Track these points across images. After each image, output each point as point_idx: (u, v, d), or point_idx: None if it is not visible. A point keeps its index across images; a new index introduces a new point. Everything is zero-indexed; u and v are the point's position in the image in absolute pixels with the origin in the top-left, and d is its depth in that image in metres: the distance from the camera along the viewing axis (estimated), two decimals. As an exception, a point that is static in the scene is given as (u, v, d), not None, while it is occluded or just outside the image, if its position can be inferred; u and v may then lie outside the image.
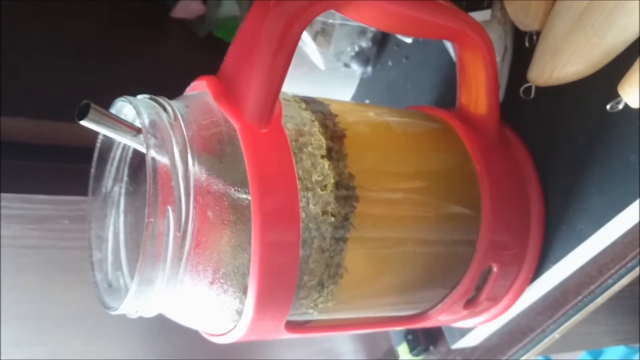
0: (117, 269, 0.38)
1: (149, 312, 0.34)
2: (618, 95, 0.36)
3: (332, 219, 0.34)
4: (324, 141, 0.35)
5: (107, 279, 0.37)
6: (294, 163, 0.33)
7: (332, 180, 0.34)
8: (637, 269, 0.39)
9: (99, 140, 0.38)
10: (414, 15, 0.37)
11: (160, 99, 0.34)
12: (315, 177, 0.34)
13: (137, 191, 0.39)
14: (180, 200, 0.31)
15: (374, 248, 0.37)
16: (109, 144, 0.38)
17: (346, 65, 0.58)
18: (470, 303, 0.42)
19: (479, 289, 0.42)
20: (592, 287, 0.41)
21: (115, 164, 0.39)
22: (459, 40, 0.40)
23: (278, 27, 0.32)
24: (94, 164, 0.38)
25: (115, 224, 0.39)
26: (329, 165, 0.34)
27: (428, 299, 0.41)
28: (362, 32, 0.57)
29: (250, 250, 0.32)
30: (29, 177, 0.57)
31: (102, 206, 0.39)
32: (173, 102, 0.34)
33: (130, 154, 0.39)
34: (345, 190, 0.35)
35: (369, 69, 0.58)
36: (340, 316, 0.39)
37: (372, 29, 0.56)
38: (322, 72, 0.58)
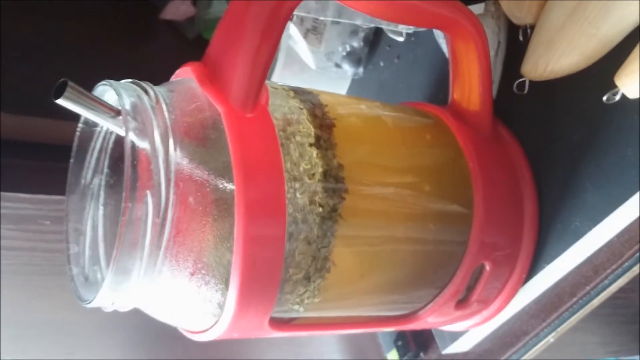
0: (95, 263, 0.36)
1: (126, 305, 0.32)
2: (615, 87, 0.35)
3: (320, 209, 0.33)
4: (313, 129, 0.34)
5: (84, 273, 0.36)
6: (282, 153, 0.32)
7: (320, 169, 0.33)
8: (635, 268, 0.38)
9: (78, 129, 0.36)
10: (405, 1, 0.36)
11: (143, 83, 0.33)
12: (303, 166, 0.33)
13: (117, 183, 0.37)
14: (159, 184, 0.30)
15: (363, 242, 0.35)
16: (89, 133, 0.37)
17: (337, 65, 0.57)
18: (462, 304, 0.41)
19: (470, 289, 0.41)
20: (588, 287, 0.39)
21: (95, 154, 0.37)
22: (452, 29, 0.39)
23: (265, 9, 0.31)
24: (72, 154, 0.37)
25: (94, 217, 0.37)
26: (317, 154, 0.33)
27: (418, 299, 0.40)
28: (354, 32, 0.56)
29: (233, 240, 0.30)
30: (8, 175, 0.55)
31: (80, 198, 0.37)
32: (157, 87, 0.33)
33: (111, 144, 0.37)
34: (334, 181, 0.33)
35: (361, 69, 0.58)
36: (327, 314, 0.38)
37: (364, 28, 0.56)
38: (313, 72, 0.57)
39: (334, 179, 0.33)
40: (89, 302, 0.32)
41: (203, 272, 0.31)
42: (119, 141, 0.36)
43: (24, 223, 0.57)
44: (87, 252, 0.36)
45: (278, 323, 0.35)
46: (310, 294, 0.34)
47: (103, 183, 0.37)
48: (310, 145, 0.33)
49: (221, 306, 0.32)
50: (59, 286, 0.63)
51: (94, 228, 0.37)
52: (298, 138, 0.33)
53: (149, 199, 0.29)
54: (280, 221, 0.31)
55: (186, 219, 0.30)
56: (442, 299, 0.39)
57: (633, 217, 0.37)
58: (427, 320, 0.40)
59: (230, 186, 0.31)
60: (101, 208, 0.37)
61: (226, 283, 0.31)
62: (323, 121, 0.35)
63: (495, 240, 0.40)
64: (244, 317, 0.32)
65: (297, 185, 0.32)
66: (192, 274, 0.31)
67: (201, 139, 0.32)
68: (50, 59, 0.64)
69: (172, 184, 0.30)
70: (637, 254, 0.37)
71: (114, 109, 0.31)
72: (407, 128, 0.40)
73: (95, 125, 0.37)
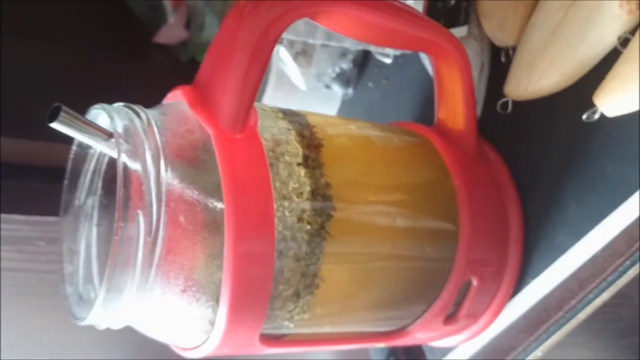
0: (88, 282, 0.37)
1: (118, 323, 0.33)
2: (594, 106, 0.37)
3: (308, 227, 0.33)
4: (300, 149, 0.35)
5: (78, 291, 0.36)
6: (271, 173, 0.33)
7: (308, 188, 0.34)
8: (618, 282, 0.39)
9: (72, 152, 0.37)
10: (389, 26, 0.37)
11: (134, 107, 0.34)
12: (291, 185, 0.33)
13: (110, 204, 0.38)
14: (151, 204, 0.30)
15: (351, 259, 0.36)
16: (82, 155, 0.38)
17: (327, 86, 0.58)
18: (450, 319, 0.41)
19: (458, 304, 0.41)
20: (573, 301, 0.40)
21: (89, 175, 0.38)
22: (435, 52, 0.40)
23: (253, 35, 0.32)
24: (67, 176, 0.38)
25: (87, 237, 0.38)
26: (305, 173, 0.34)
27: (407, 315, 0.41)
28: (343, 53, 0.57)
29: (223, 258, 0.31)
30: (4, 197, 0.56)
31: (74, 219, 0.38)
32: (148, 111, 0.34)
33: (104, 166, 0.38)
34: (322, 199, 0.34)
35: (350, 90, 0.59)
36: (317, 330, 0.38)
37: (353, 50, 0.57)
38: (304, 93, 0.58)
39: (321, 197, 0.34)
40: (82, 320, 0.32)
41: (194, 289, 0.32)
42: (112, 163, 0.37)
43: (20, 244, 0.57)
44: (81, 271, 0.37)
45: (268, 339, 0.35)
46: (299, 310, 0.35)
47: (96, 204, 0.38)
48: (299, 164, 0.34)
49: (212, 323, 0.33)
50: (55, 306, 0.63)
51: (88, 248, 0.38)
52: (287, 158, 0.34)
53: (141, 219, 0.30)
54: (269, 239, 0.32)
55: (177, 238, 0.31)
56: (430, 315, 0.40)
57: (615, 231, 0.38)
58: (416, 335, 0.41)
59: (220, 205, 0.31)
60: (95, 228, 0.38)
61: (217, 300, 0.32)
62: (311, 141, 0.36)
63: (482, 256, 0.41)
64: (234, 334, 0.33)
65: (286, 204, 0.33)
66: (183, 292, 0.32)
67: (192, 160, 0.33)
68: (45, 82, 0.65)
69: (163, 204, 0.31)
70: (620, 268, 0.38)
71: (107, 132, 0.32)
72: (394, 147, 0.41)
73: (88, 147, 0.38)
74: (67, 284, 0.36)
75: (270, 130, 0.35)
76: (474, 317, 0.43)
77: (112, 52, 0.74)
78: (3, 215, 0.54)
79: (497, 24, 0.42)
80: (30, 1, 0.68)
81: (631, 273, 0.38)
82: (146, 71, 0.74)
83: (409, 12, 0.38)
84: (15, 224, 0.56)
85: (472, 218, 0.40)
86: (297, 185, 0.34)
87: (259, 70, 0.33)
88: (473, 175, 0.41)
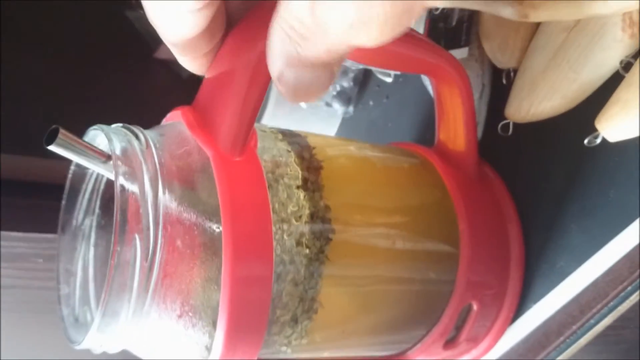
0: (85, 304, 0.36)
1: (114, 347, 0.33)
2: (595, 130, 0.36)
3: (307, 250, 0.33)
4: (300, 172, 0.34)
5: (74, 313, 0.36)
6: (270, 195, 0.32)
7: (307, 211, 0.33)
8: (620, 308, 0.39)
9: (70, 172, 0.37)
10: (388, 48, 0.37)
11: (133, 128, 0.33)
12: (290, 208, 0.33)
13: (108, 224, 0.38)
14: (148, 228, 0.30)
15: (350, 283, 0.36)
16: (80, 175, 0.37)
17: (328, 104, 0.58)
18: (450, 343, 0.41)
19: (458, 328, 0.41)
20: (574, 327, 0.40)
21: (87, 196, 0.38)
22: (435, 74, 0.40)
23: (253, 56, 0.32)
24: (65, 196, 0.37)
25: (84, 258, 0.38)
26: (305, 196, 0.34)
27: (407, 339, 0.40)
28: (344, 72, 0.57)
29: (220, 283, 0.31)
30: (4, 214, 0.55)
31: (72, 239, 0.38)
32: (147, 132, 0.34)
33: (102, 186, 0.38)
34: (321, 222, 0.34)
35: (351, 108, 0.58)
36: (315, 355, 0.38)
37: (354, 69, 0.57)
38: (304, 112, 0.58)
39: (320, 220, 0.34)
40: (78, 344, 0.32)
41: (190, 314, 0.32)
42: (110, 183, 0.37)
43: (18, 261, 0.57)
44: (78, 292, 0.37)
45: None
46: (297, 335, 0.34)
47: (94, 224, 0.38)
48: (298, 187, 0.34)
49: (209, 349, 0.32)
50: (53, 323, 0.62)
51: (85, 269, 0.37)
52: (286, 180, 0.34)
53: (138, 242, 0.30)
54: (267, 262, 0.31)
55: (174, 262, 0.31)
56: (430, 339, 0.40)
57: (617, 257, 0.37)
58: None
59: (218, 228, 0.31)
60: (92, 249, 0.38)
61: (213, 325, 0.32)
62: (311, 163, 0.36)
63: (482, 278, 0.40)
64: (232, 355, 0.32)
65: (285, 227, 0.33)
66: (180, 316, 0.32)
67: (190, 182, 0.32)
68: (45, 98, 0.65)
69: (160, 227, 0.30)
70: (622, 294, 0.38)
71: (105, 154, 0.32)
72: (394, 168, 0.41)
73: (87, 167, 0.37)
74: (63, 306, 0.36)
75: (269, 151, 0.35)
76: (474, 340, 0.42)
77: (113, 68, 0.74)
78: (2, 232, 0.54)
79: (499, 46, 0.42)
80: (30, 18, 0.68)
81: (633, 299, 0.38)
82: (147, 87, 0.74)
83: (408, 34, 0.38)
84: (14, 241, 0.56)
85: (473, 242, 0.39)
86: (296, 209, 0.33)
87: (259, 92, 0.32)
88: (473, 197, 0.41)
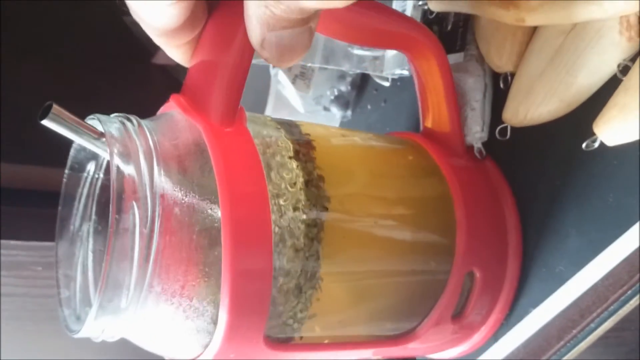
0: (86, 305, 0.36)
1: (115, 332, 0.32)
2: (593, 134, 0.36)
3: (304, 216, 0.33)
4: (291, 144, 0.35)
5: (76, 313, 0.36)
6: (263, 163, 0.33)
7: (301, 179, 0.34)
8: (620, 312, 0.38)
9: (65, 176, 0.37)
10: (362, 22, 0.37)
11: (128, 115, 0.34)
12: (284, 175, 0.34)
13: (105, 230, 0.38)
14: (145, 197, 0.30)
15: (350, 252, 0.36)
16: (75, 179, 0.38)
17: (326, 108, 0.58)
18: (459, 317, 0.41)
19: (463, 304, 0.41)
20: (575, 331, 0.40)
21: (82, 201, 0.38)
22: (410, 48, 0.40)
23: (232, 32, 0.32)
24: (60, 201, 0.37)
25: (83, 263, 0.38)
26: (297, 165, 0.34)
27: (417, 312, 0.40)
28: (341, 76, 0.57)
29: (221, 248, 0.31)
30: (2, 222, 0.55)
31: (70, 245, 0.38)
32: (141, 120, 0.34)
33: (97, 191, 0.38)
34: (316, 189, 0.34)
35: (349, 112, 0.58)
36: (323, 332, 0.37)
37: (351, 73, 0.57)
38: (302, 116, 0.58)
39: (315, 188, 0.34)
40: (77, 332, 0.32)
41: (194, 283, 0.31)
42: (105, 187, 0.37)
43: (17, 269, 0.57)
44: (78, 295, 0.37)
45: (274, 342, 0.34)
46: (302, 307, 0.34)
47: (91, 230, 0.38)
48: (290, 157, 0.35)
49: (214, 320, 0.32)
50: (51, 331, 0.63)
51: (84, 273, 0.37)
52: (278, 152, 0.35)
53: (136, 211, 0.30)
54: (266, 224, 0.32)
55: (173, 231, 0.31)
56: (437, 311, 0.39)
57: (616, 261, 0.37)
58: (427, 336, 0.40)
59: (214, 194, 0.31)
60: (90, 254, 0.38)
61: (218, 292, 0.31)
62: (300, 138, 0.36)
63: (480, 246, 0.41)
64: (238, 329, 0.32)
65: (281, 193, 0.33)
66: (183, 287, 0.31)
67: (183, 155, 0.33)
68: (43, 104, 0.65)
69: (157, 196, 0.31)
70: (622, 298, 0.38)
71: (97, 132, 0.32)
72: (385, 148, 0.42)
73: (81, 170, 0.38)
74: (65, 307, 0.36)
75: (260, 131, 0.35)
76: (482, 314, 0.42)
77: (111, 73, 0.74)
78: (0, 241, 0.54)
79: (496, 50, 0.42)
80: (29, 24, 0.68)
81: (633, 303, 0.38)
82: (146, 91, 0.74)
83: (382, 7, 0.38)
84: (13, 250, 0.56)
85: (469, 222, 0.39)
86: (290, 176, 0.34)
87: (242, 65, 0.33)
88: (466, 177, 0.41)
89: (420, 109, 0.44)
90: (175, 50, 0.33)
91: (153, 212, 0.30)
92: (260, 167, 0.32)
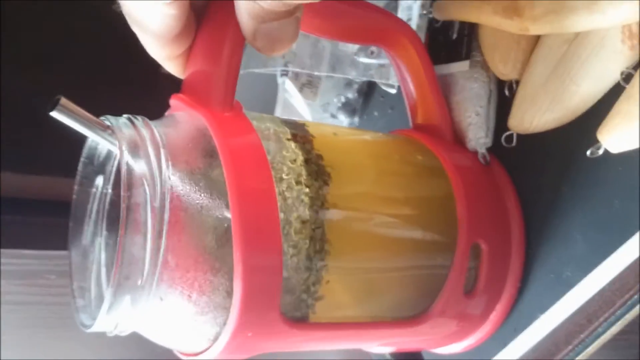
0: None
1: (126, 327, 0.33)
2: (597, 141, 0.36)
3: (307, 189, 0.35)
4: (288, 130, 0.37)
5: (93, 316, 0.36)
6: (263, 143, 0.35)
7: (301, 157, 0.36)
8: (627, 316, 0.39)
9: (74, 192, 0.38)
10: (339, 19, 0.39)
11: (134, 115, 0.36)
12: (283, 153, 0.35)
13: (116, 244, 0.38)
14: (152, 176, 0.32)
15: (355, 221, 0.37)
16: (84, 194, 0.38)
17: (333, 116, 0.59)
18: (470, 293, 0.41)
19: (475, 278, 0.41)
20: (582, 335, 0.40)
21: (92, 216, 0.39)
22: (388, 42, 0.42)
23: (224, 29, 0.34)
24: (71, 217, 0.38)
25: (97, 277, 0.38)
26: (296, 146, 0.36)
27: (429, 293, 0.40)
28: (348, 84, 0.58)
29: (230, 220, 0.32)
30: (13, 232, 0.56)
31: (82, 260, 0.38)
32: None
33: (107, 205, 0.39)
34: (315, 166, 0.36)
35: (356, 119, 0.59)
36: (337, 312, 0.38)
37: (358, 81, 0.57)
38: (309, 124, 0.59)
39: (315, 165, 0.36)
40: (91, 327, 0.33)
41: (207, 256, 0.32)
42: (115, 202, 0.38)
43: (30, 278, 0.58)
44: (94, 303, 0.37)
45: (290, 320, 0.35)
46: (314, 279, 0.35)
47: (103, 245, 0.38)
48: (288, 139, 0.36)
49: (229, 292, 0.33)
50: (65, 338, 0.63)
51: (98, 285, 0.38)
52: (275, 135, 0.36)
53: (146, 188, 0.32)
54: (271, 197, 0.33)
55: (183, 207, 0.32)
56: (449, 287, 0.40)
57: (623, 265, 0.37)
58: (438, 319, 0.40)
59: (220, 171, 0.33)
60: (104, 269, 0.38)
61: (230, 275, 0.32)
62: (296, 126, 0.38)
63: (485, 213, 0.42)
64: (253, 300, 0.32)
65: (283, 167, 0.35)
66: (197, 262, 0.32)
67: (188, 141, 0.35)
68: (49, 115, 0.65)
69: (165, 173, 0.32)
70: (629, 302, 0.38)
71: (105, 124, 0.33)
72: (384, 141, 0.44)
73: (89, 185, 0.38)
74: (82, 313, 0.36)
75: (256, 122, 0.37)
76: (494, 289, 0.42)
77: (119, 83, 0.74)
78: (12, 251, 0.55)
79: (500, 58, 0.42)
80: (33, 32, 0.69)
81: (640, 307, 0.38)
82: (154, 101, 0.75)
83: (360, 3, 0.40)
84: (24, 259, 0.56)
85: (469, 216, 0.40)
86: (289, 154, 0.36)
87: (235, 56, 0.35)
88: (470, 176, 0.42)
89: (407, 106, 0.45)
90: (172, 62, 0.35)
91: (163, 187, 0.32)
92: (260, 145, 0.34)
